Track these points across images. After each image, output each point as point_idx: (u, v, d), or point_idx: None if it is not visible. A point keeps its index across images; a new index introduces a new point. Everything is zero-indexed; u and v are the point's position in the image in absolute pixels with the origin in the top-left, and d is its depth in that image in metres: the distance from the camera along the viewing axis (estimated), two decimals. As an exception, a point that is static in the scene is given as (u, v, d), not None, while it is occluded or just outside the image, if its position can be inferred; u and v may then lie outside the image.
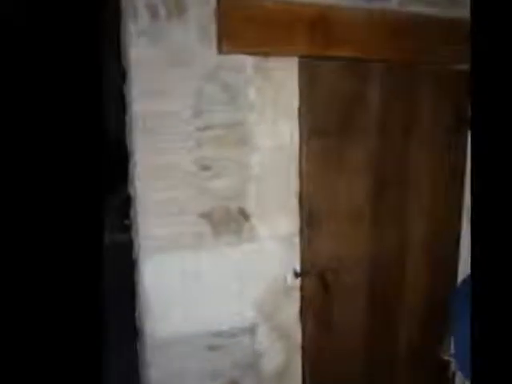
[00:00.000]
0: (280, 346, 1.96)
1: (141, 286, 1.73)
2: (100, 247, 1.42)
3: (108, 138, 1.79)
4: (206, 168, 1.74)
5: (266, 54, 1.78)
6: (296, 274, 1.94)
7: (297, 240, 1.93)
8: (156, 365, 1.76)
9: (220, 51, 1.69)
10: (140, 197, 1.69)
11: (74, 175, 1.30)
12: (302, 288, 1.96)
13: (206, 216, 1.77)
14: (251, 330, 1.89)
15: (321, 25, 1.80)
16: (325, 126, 1.93)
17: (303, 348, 2.00)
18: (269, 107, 1.83)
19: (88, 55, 1.29)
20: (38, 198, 1.20)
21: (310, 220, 1.93)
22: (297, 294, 1.96)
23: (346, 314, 2.07)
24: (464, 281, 1.99)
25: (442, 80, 2.10)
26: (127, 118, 1.72)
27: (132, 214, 1.75)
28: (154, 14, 1.62)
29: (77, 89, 1.27)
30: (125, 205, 1.80)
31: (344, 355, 2.10)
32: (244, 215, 1.82)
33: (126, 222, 1.79)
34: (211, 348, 1.83)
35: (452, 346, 1.85)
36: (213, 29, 1.69)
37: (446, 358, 1.92)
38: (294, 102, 1.87)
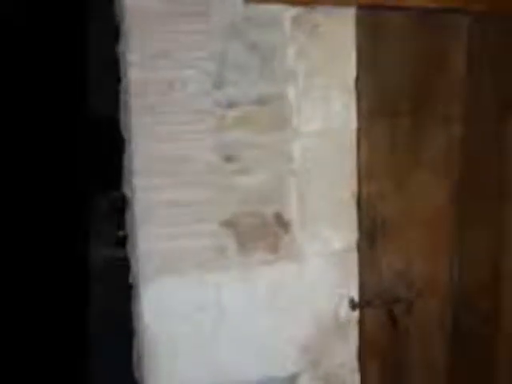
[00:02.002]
0: (331, 403, 1.76)
1: (140, 320, 1.52)
2: (84, 268, 1.33)
3: (95, 119, 1.56)
4: (229, 159, 1.55)
5: (311, 4, 1.56)
6: (353, 305, 1.70)
7: (354, 258, 1.71)
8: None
9: (248, -1, 1.50)
10: (139, 199, 1.50)
11: (47, 168, 1.15)
12: (360, 323, 1.72)
13: (230, 225, 1.57)
14: (291, 381, 1.67)
15: (387, -37, 1.59)
16: (393, 103, 1.70)
17: (362, 404, 1.78)
18: (315, 77, 1.61)
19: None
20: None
21: (373, 231, 1.71)
22: (354, 332, 1.73)
23: (422, 357, 1.82)
24: None
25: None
26: (122, 91, 1.52)
27: (128, 221, 1.57)
28: None
29: (52, 50, 1.11)
30: (118, 209, 1.66)
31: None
32: (282, 224, 1.61)
33: (120, 232, 1.64)
34: (236, 407, 1.63)
35: None
36: (238, -33, 1.51)
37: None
38: (351, 70, 1.65)
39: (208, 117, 1.52)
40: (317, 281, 1.67)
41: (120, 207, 1.59)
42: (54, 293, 1.13)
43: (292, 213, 1.62)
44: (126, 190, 1.55)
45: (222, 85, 1.52)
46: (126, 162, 1.54)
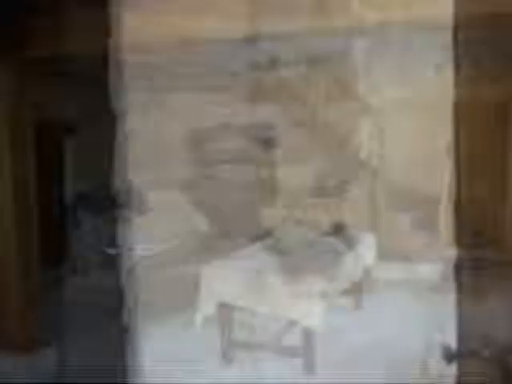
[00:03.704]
0: None
1: (137, 376, 1.18)
2: (59, 299, 1.30)
3: (74, 83, 1.32)
4: (267, 143, 1.30)
5: None
6: (449, 356, 1.33)
7: (451, 289, 1.35)
8: None
9: None
10: (138, 200, 1.25)
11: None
12: (460, 380, 1.38)
13: (269, 238, 1.23)
14: None
15: None
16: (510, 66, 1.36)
17: None
18: (392, 25, 1.32)
19: None
20: None
21: (479, 248, 1.30)
22: (451, 393, 1.39)
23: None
24: None
25: None
26: (111, 46, 1.21)
27: (121, 234, 1.24)
28: None
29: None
30: (107, 217, 1.30)
31: None
32: (344, 238, 1.24)
33: (110, 250, 1.23)
34: None
35: None
36: None
37: None
38: (446, 15, 1.30)
39: (238, 81, 1.23)
40: (396, 321, 1.33)
41: (110, 213, 1.23)
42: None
43: (359, 221, 1.29)
44: (121, 187, 1.19)
45: (258, 37, 1.20)
46: (117, 150, 1.20)
